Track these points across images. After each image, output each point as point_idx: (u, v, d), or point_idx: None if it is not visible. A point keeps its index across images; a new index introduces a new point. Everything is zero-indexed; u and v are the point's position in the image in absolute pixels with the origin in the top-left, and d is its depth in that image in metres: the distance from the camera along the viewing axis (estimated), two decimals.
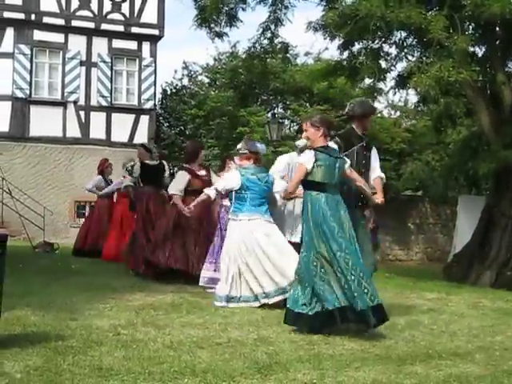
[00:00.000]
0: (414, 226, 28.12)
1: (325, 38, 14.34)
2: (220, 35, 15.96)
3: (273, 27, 15.99)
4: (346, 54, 15.12)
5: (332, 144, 7.19)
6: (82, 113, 24.52)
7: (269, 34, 16.15)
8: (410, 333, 6.85)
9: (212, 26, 15.51)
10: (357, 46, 14.79)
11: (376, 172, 7.73)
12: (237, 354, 5.55)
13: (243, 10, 15.74)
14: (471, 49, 14.38)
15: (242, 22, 15.74)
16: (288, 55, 25.82)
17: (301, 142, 9.66)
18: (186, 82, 32.20)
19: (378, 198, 7.56)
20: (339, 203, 6.83)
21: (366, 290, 6.45)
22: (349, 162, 7.15)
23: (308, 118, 7.16)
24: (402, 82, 15.35)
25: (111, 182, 15.44)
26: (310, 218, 6.71)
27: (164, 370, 4.97)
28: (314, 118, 7.07)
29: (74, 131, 24.32)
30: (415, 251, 27.65)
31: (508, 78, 15.08)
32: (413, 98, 36.90)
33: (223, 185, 8.70)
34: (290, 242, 8.48)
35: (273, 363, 5.30)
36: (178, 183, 10.50)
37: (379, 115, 31.94)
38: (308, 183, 6.85)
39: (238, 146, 9.06)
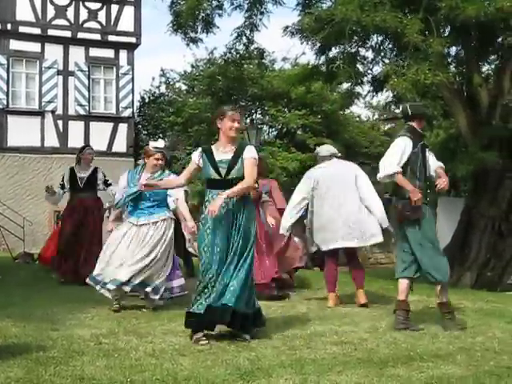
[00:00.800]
0: (394, 228, 28.16)
1: (302, 43, 14.39)
2: (195, 41, 15.99)
3: (248, 33, 16.03)
4: (322, 58, 15.19)
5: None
6: (59, 122, 24.43)
7: (244, 40, 16.19)
8: (392, 335, 6.87)
9: (187, 31, 15.53)
10: (334, 51, 14.87)
11: (436, 164, 7.73)
12: (219, 361, 5.55)
13: (219, 15, 15.78)
14: (447, 51, 14.48)
15: (218, 27, 15.78)
16: (264, 61, 25.90)
17: (321, 150, 9.66)
18: (163, 89, 32.18)
19: (441, 183, 7.52)
20: None
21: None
22: None
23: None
24: (379, 85, 15.42)
25: None
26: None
27: (146, 379, 4.96)
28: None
29: (52, 141, 24.23)
30: (395, 254, 27.60)
31: (484, 80, 15.19)
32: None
33: None
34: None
35: (255, 369, 5.29)
36: None
37: (357, 119, 32.12)
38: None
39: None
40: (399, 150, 7.44)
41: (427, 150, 7.68)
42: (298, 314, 8.24)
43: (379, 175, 7.51)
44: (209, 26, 15.59)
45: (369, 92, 16.11)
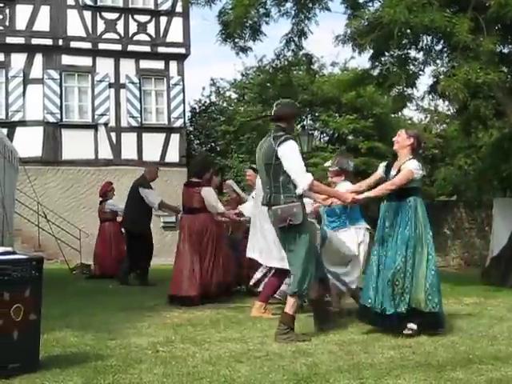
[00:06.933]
0: (450, 231, 27.91)
1: (354, 51, 14.26)
2: (244, 49, 15.97)
3: (296, 39, 15.96)
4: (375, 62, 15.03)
5: None
6: (112, 134, 24.73)
7: (293, 46, 16.11)
8: (450, 338, 6.79)
9: (236, 40, 15.53)
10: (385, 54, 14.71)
11: None
12: (275, 367, 5.53)
13: (266, 23, 15.72)
14: (499, 50, 14.25)
15: (265, 35, 15.73)
16: (313, 67, 25.88)
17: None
18: (214, 98, 32.33)
19: None
20: None
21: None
22: None
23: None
24: (433, 87, 15.22)
25: None
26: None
27: None
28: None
29: (105, 153, 24.53)
30: (452, 256, 27.43)
31: None
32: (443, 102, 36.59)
33: None
34: None
35: (312, 374, 5.27)
36: None
37: (409, 121, 31.82)
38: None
39: (328, 163, 9.32)
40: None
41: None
42: (354, 319, 8.19)
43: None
44: (256, 33, 15.56)
45: (425, 94, 15.86)
